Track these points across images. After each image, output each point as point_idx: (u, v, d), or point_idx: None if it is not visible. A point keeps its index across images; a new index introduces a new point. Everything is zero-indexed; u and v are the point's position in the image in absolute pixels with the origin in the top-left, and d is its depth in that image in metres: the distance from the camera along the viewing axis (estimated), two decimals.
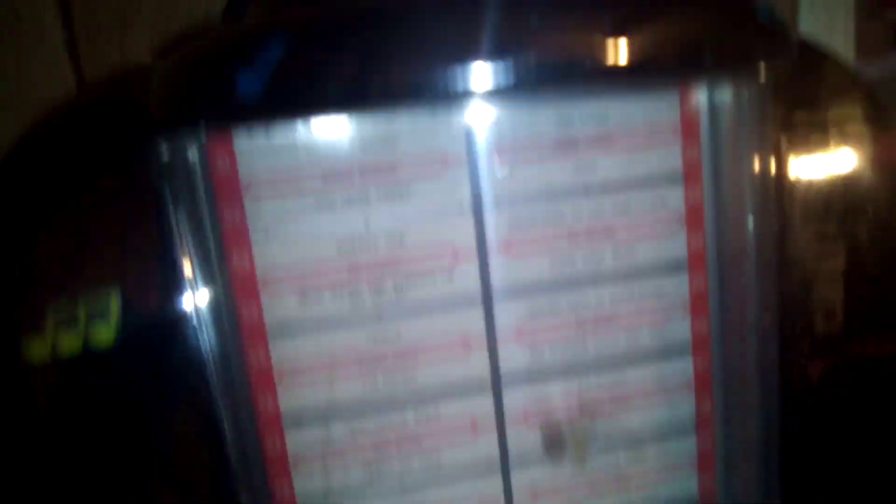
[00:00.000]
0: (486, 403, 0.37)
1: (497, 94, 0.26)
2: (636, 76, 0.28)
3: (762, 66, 0.31)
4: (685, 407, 0.39)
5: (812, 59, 0.36)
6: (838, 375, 0.36)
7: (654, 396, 0.39)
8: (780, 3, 0.52)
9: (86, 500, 0.29)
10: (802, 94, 0.36)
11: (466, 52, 0.26)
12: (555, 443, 0.37)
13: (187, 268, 0.30)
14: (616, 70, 0.27)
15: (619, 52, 0.27)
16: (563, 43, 0.27)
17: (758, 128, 0.33)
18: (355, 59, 0.25)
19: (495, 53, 0.26)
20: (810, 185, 0.35)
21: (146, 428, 0.30)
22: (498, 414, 0.37)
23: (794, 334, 0.36)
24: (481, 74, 0.26)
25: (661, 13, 0.28)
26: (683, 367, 0.39)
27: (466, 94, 0.26)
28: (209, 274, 0.31)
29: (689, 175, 0.36)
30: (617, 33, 0.26)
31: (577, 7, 0.27)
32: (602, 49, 0.27)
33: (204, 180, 0.30)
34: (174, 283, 0.29)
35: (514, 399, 0.37)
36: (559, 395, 0.38)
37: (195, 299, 0.30)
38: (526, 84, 0.26)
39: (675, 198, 0.37)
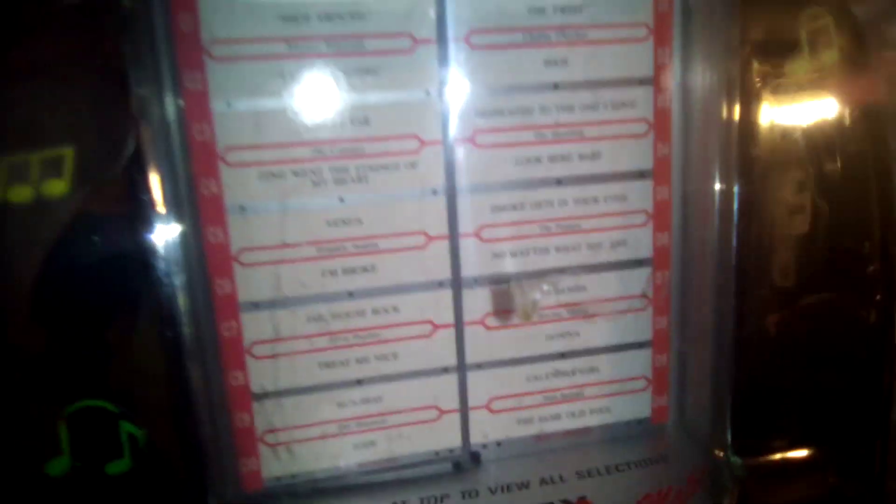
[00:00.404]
0: (445, 299, 0.37)
1: None
2: None
3: None
4: (643, 321, 0.40)
5: None
6: (786, 305, 0.36)
7: (613, 305, 0.39)
8: None
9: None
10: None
11: None
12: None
13: (145, 133, 0.29)
14: None
15: None
16: None
17: (725, 32, 0.33)
18: None
19: None
20: (780, 106, 0.35)
21: (95, 293, 0.29)
22: (457, 311, 0.37)
23: (750, 260, 0.36)
24: None
25: None
26: (644, 279, 0.39)
27: None
28: (167, 143, 0.30)
29: (658, 79, 0.36)
30: None
31: None
32: None
33: (165, 36, 0.30)
34: (134, 153, 0.28)
35: (473, 297, 0.37)
36: (516, 297, 0.38)
37: (153, 170, 0.29)
38: None
39: (644, 101, 0.36)
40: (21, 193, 0.27)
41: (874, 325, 0.37)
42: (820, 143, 0.35)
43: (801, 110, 0.35)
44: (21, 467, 0.29)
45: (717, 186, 0.35)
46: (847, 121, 0.36)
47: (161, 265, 0.30)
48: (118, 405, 0.29)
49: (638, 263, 0.39)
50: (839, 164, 0.36)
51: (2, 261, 0.28)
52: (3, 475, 0.29)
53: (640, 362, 0.40)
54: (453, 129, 0.34)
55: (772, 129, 0.34)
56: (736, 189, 0.34)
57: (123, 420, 0.29)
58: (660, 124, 0.37)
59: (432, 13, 0.33)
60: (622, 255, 0.38)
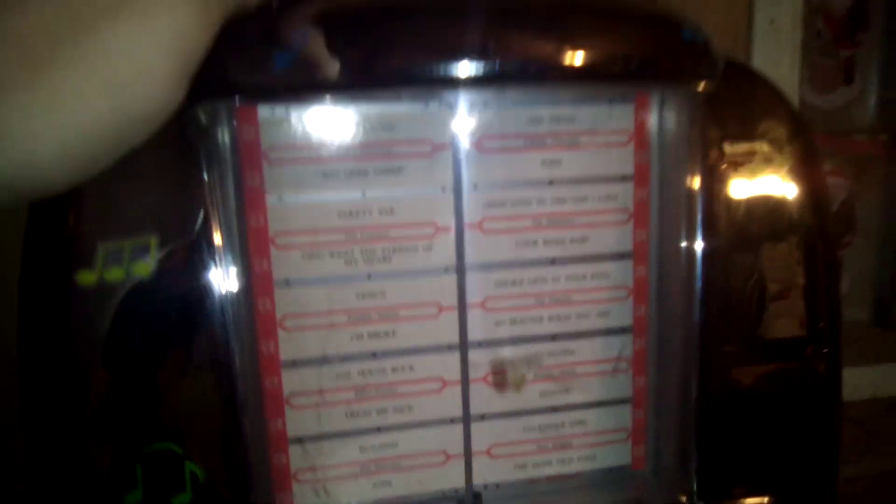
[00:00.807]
0: (453, 360, 0.43)
1: (470, 84, 0.33)
2: (580, 80, 0.35)
3: (690, 79, 0.38)
4: (624, 381, 0.46)
5: (749, 82, 0.43)
6: (744, 365, 0.42)
7: (598, 366, 0.45)
8: (735, 40, 0.59)
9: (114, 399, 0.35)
10: (737, 112, 0.42)
11: (453, 50, 0.32)
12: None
13: (214, 222, 0.36)
14: (561, 71, 0.33)
15: (564, 58, 0.33)
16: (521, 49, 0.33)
17: (693, 136, 0.40)
18: (364, 48, 0.32)
19: (472, 53, 0.32)
20: (737, 194, 0.42)
21: (168, 353, 0.35)
22: (463, 370, 0.43)
23: (715, 326, 0.42)
24: (458, 68, 0.33)
25: (601, 32, 0.34)
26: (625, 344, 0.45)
27: (448, 83, 0.33)
28: (229, 229, 0.37)
29: (639, 176, 0.43)
30: (562, 45, 0.33)
31: (533, 18, 0.34)
32: (547, 54, 0.33)
33: (231, 145, 0.36)
34: (202, 237, 0.35)
35: (478, 358, 0.43)
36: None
37: (216, 250, 0.36)
38: (494, 79, 0.33)
39: (625, 194, 0.43)
40: (115, 273, 0.34)
41: (822, 384, 0.43)
42: (771, 225, 0.42)
43: (756, 196, 0.42)
44: (105, 499, 0.35)
45: (684, 265, 0.41)
46: (795, 205, 0.42)
47: (219, 330, 0.36)
48: (183, 448, 0.35)
49: (620, 331, 0.45)
50: (788, 242, 0.42)
51: (95, 329, 0.34)
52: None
53: (621, 416, 0.46)
54: (464, 218, 0.41)
55: (729, 212, 0.41)
56: (698, 271, 0.41)
57: (187, 460, 0.35)
58: (639, 214, 0.43)
59: (450, 124, 0.40)
60: (606, 323, 0.45)
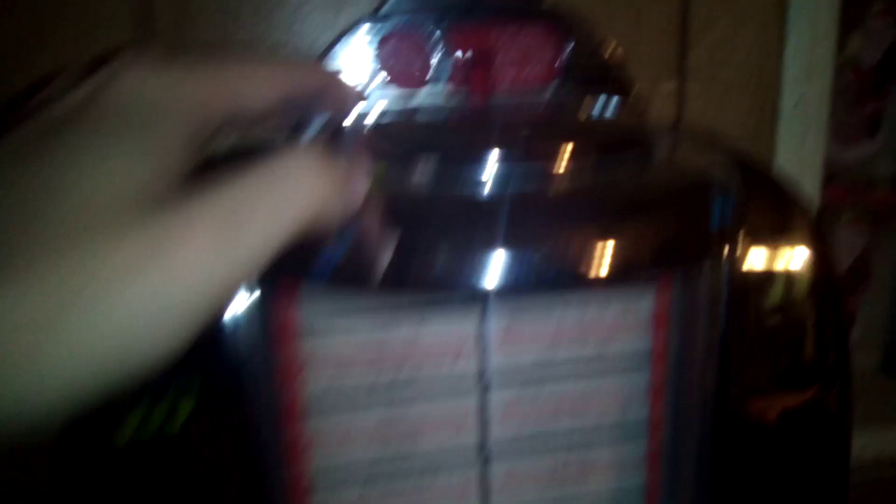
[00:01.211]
0: (472, 476, 0.44)
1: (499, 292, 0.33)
2: (609, 277, 0.35)
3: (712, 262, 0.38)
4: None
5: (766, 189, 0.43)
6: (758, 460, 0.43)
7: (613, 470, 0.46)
8: (762, 120, 0.58)
9: None
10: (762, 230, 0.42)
11: (479, 256, 0.33)
12: None
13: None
14: (591, 275, 0.34)
15: (593, 260, 0.34)
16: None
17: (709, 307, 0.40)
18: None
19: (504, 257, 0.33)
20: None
21: None
22: (483, 485, 0.44)
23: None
24: (482, 273, 0.33)
25: (626, 229, 0.35)
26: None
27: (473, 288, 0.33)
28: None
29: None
30: (590, 247, 0.33)
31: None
32: (574, 258, 0.34)
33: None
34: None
35: (497, 474, 0.44)
36: (535, 470, 0.45)
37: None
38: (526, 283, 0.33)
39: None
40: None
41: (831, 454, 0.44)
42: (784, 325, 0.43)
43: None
44: None
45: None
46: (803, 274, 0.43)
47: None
48: None
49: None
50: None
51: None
52: None
53: None
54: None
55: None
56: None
57: None
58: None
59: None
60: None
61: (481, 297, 0.40)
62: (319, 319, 0.39)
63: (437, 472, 0.44)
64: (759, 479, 0.44)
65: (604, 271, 0.33)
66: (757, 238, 0.42)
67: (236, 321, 0.36)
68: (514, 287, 0.34)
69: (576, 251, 0.33)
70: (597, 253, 0.33)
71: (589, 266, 0.33)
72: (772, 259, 0.42)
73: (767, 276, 0.42)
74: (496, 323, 0.41)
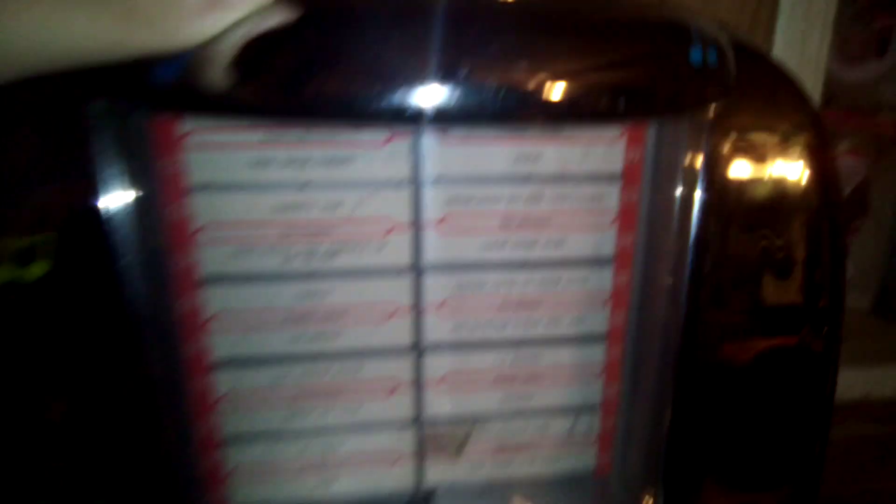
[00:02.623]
0: (405, 368, 0.39)
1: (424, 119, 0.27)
2: (575, 115, 0.29)
3: (695, 107, 0.32)
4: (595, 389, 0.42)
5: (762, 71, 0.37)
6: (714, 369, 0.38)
7: (566, 377, 0.41)
8: (759, 13, 0.52)
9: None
10: (745, 101, 0.36)
11: (419, 78, 0.27)
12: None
13: (128, 216, 0.31)
14: (554, 108, 0.28)
15: (555, 94, 0.28)
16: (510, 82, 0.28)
17: (693, 149, 0.34)
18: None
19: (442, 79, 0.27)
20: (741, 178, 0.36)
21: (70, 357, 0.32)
22: (416, 380, 0.39)
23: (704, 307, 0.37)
24: (429, 98, 0.27)
25: (597, 62, 0.29)
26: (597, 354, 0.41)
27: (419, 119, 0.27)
28: (147, 226, 0.32)
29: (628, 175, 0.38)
30: (554, 78, 0.27)
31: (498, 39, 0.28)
32: (542, 91, 0.28)
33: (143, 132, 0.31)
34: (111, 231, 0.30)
35: (433, 368, 0.39)
36: (476, 368, 0.40)
37: (128, 245, 0.31)
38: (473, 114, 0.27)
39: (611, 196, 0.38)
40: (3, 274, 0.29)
41: (813, 376, 0.39)
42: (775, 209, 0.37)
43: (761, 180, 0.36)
44: None
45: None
46: (798, 185, 0.37)
47: (131, 331, 0.32)
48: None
49: (593, 339, 0.41)
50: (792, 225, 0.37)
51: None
52: None
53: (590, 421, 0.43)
54: (425, 213, 0.36)
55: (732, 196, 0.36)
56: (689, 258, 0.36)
57: None
58: (625, 217, 0.39)
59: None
60: (579, 331, 0.40)
61: (414, 129, 0.34)
62: (212, 167, 0.33)
63: (364, 361, 0.39)
64: (724, 407, 0.39)
65: (562, 104, 0.27)
66: (746, 128, 0.36)
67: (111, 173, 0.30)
68: (452, 118, 0.28)
69: (529, 73, 0.27)
70: (556, 79, 0.27)
71: (544, 95, 0.27)
72: (762, 156, 0.36)
73: (755, 180, 0.36)
74: (433, 159, 0.35)
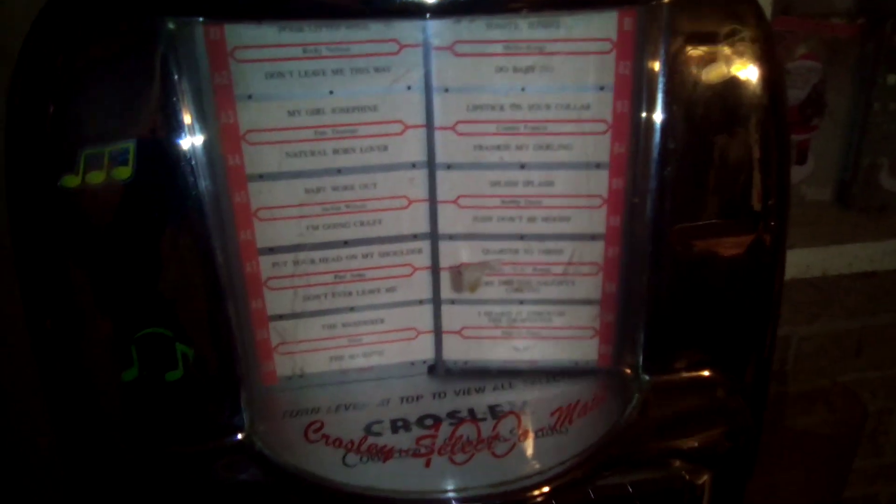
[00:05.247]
0: (424, 252, 0.46)
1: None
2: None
3: None
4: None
5: None
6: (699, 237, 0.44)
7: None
8: None
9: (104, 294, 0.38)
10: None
11: None
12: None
13: (188, 123, 0.37)
14: None
15: None
16: None
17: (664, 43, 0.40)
18: None
19: None
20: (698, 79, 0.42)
21: (153, 248, 0.38)
22: (434, 260, 0.46)
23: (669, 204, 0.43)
24: None
25: None
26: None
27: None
28: (205, 130, 0.38)
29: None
30: None
31: None
32: None
33: (200, 48, 0.38)
34: (176, 138, 0.37)
35: (448, 251, 0.46)
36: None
37: (192, 150, 0.38)
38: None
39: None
40: (96, 177, 0.36)
41: (761, 266, 0.46)
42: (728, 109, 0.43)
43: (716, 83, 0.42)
44: (104, 377, 0.39)
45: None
46: (749, 91, 0.43)
47: (198, 222, 0.39)
48: (173, 331, 0.39)
49: (592, 238, 0.47)
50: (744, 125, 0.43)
51: (81, 230, 0.37)
52: (90, 382, 0.39)
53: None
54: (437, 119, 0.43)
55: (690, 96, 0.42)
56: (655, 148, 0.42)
57: (177, 342, 0.39)
58: (617, 126, 0.44)
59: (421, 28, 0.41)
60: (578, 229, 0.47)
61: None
62: (254, 78, 0.40)
63: (385, 245, 0.46)
64: (694, 287, 0.45)
65: None
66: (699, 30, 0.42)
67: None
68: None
69: None
70: None
71: None
72: (712, 57, 0.42)
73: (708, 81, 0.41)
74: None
